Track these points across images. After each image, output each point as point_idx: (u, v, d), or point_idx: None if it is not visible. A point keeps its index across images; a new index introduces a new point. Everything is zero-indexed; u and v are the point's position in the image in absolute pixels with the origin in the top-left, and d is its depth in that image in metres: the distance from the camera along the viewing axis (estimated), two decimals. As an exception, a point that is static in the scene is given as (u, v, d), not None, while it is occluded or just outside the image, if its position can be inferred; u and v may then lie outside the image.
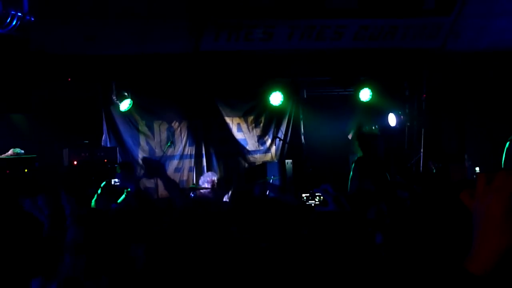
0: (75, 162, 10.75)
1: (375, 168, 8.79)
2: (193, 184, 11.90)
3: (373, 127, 12.06)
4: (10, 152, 10.10)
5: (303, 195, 3.55)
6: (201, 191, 11.18)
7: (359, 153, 8.93)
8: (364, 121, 12.00)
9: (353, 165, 8.89)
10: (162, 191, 12.09)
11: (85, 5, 9.78)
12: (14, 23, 7.62)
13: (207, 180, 11.35)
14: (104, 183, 9.61)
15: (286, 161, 12.61)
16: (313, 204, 3.46)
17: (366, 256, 3.39)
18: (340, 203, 3.34)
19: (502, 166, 8.83)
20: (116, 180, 10.35)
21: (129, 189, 9.50)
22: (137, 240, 4.06)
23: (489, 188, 1.44)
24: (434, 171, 11.83)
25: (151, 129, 12.42)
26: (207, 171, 12.26)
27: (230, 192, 9.92)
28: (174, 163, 12.55)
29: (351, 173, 8.84)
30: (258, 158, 13.31)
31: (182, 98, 12.59)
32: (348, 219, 3.30)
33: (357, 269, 3.33)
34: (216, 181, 11.44)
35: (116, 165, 10.11)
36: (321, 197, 3.43)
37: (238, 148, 13.14)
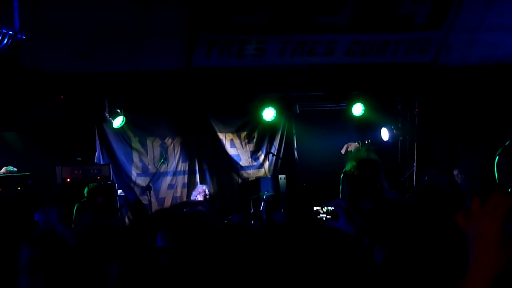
0: (68, 180, 10.75)
1: (366, 182, 8.69)
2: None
3: (366, 142, 12.08)
4: (3, 170, 10.10)
5: (314, 207, 3.52)
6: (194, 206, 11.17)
7: (347, 167, 8.81)
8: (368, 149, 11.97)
9: (342, 176, 8.81)
10: (156, 208, 12.08)
11: (77, 23, 9.81)
12: (5, 41, 7.64)
13: (198, 191, 11.34)
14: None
15: (280, 176, 12.62)
16: (324, 218, 3.43)
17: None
18: (351, 218, 3.33)
19: (497, 181, 8.83)
20: (120, 191, 10.53)
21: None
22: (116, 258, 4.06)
23: (483, 211, 1.41)
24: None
25: (144, 145, 12.40)
26: (200, 186, 12.21)
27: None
28: (168, 179, 12.53)
29: (341, 185, 8.79)
30: (252, 173, 13.30)
31: (175, 114, 12.60)
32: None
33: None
34: (207, 191, 11.43)
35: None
36: (332, 211, 3.41)
37: (232, 164, 13.13)
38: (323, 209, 3.41)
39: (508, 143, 8.89)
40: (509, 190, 8.53)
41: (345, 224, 3.31)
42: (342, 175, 8.95)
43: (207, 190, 11.58)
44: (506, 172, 8.77)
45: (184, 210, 11.02)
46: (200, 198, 11.34)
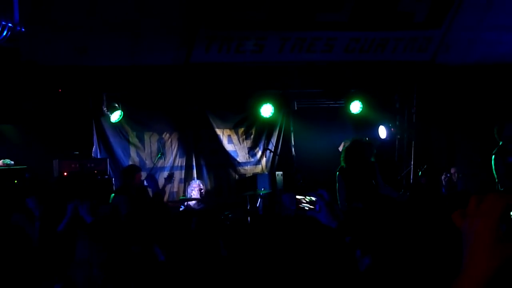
0: (65, 173, 10.71)
1: (360, 176, 8.80)
2: (183, 195, 11.89)
3: (364, 139, 12.09)
4: (0, 163, 10.07)
5: (297, 196, 3.49)
6: (190, 203, 11.17)
7: (342, 163, 8.92)
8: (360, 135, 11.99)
9: (337, 174, 8.89)
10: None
11: (76, 17, 9.78)
12: (4, 33, 7.61)
13: (193, 187, 11.32)
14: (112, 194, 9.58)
15: (277, 173, 12.59)
16: (306, 208, 3.42)
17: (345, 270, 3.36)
18: (333, 210, 3.32)
19: (496, 181, 8.81)
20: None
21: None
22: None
23: (478, 210, 1.40)
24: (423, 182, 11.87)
25: (141, 140, 12.36)
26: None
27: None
28: (165, 174, 12.50)
29: (337, 183, 8.85)
30: (249, 170, 13.28)
31: (173, 109, 12.56)
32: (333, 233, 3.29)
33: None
34: (202, 186, 11.40)
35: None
36: (315, 201, 3.39)
37: (229, 159, 13.09)
38: (306, 198, 3.40)
39: (501, 144, 8.86)
40: (502, 189, 8.52)
41: (326, 217, 3.30)
42: (337, 172, 8.99)
43: (201, 185, 11.56)
44: (505, 175, 8.73)
45: (181, 206, 11.02)
46: (195, 193, 11.32)
